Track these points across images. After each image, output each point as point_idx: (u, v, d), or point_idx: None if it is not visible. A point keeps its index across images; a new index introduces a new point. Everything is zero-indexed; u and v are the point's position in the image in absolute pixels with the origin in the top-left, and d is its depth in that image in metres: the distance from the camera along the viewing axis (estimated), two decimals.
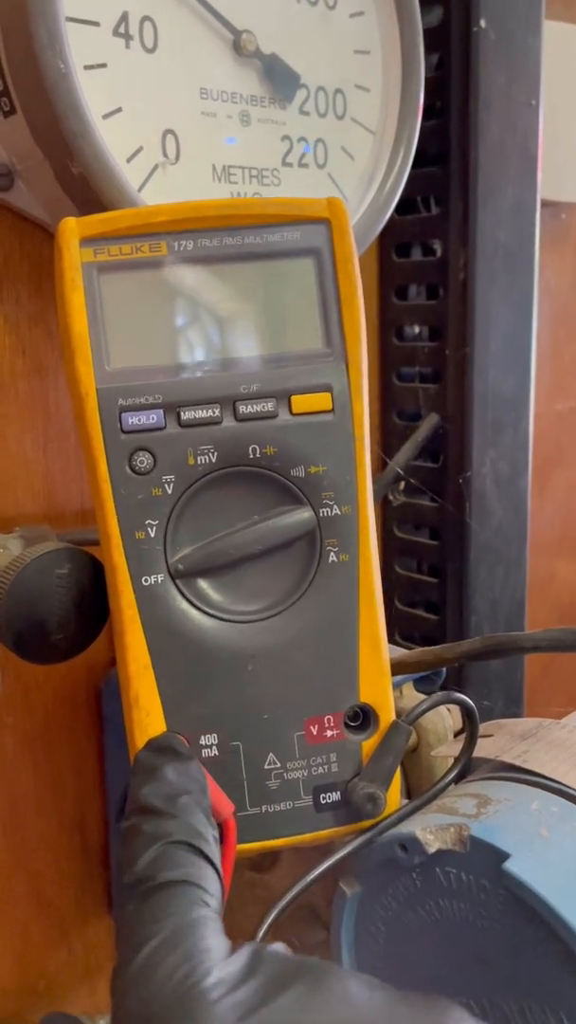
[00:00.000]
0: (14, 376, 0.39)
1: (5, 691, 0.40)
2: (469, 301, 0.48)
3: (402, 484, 0.53)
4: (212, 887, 0.23)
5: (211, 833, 0.25)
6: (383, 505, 0.55)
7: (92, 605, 0.30)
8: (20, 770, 0.41)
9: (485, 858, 0.27)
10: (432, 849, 0.28)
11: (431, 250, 0.51)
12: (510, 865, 0.26)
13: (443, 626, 0.53)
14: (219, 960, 0.21)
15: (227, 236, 0.29)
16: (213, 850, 0.24)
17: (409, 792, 0.38)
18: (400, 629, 0.55)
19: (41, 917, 0.43)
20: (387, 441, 0.54)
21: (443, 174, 0.48)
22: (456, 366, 0.49)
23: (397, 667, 0.34)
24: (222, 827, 0.28)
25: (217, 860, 0.24)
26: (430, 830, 0.28)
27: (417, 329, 0.52)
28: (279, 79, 0.37)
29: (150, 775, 0.26)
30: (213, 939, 0.21)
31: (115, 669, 0.40)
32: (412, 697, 0.39)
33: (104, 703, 0.43)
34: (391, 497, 0.53)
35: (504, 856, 0.26)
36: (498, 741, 0.33)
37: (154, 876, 0.23)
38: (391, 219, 0.42)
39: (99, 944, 0.45)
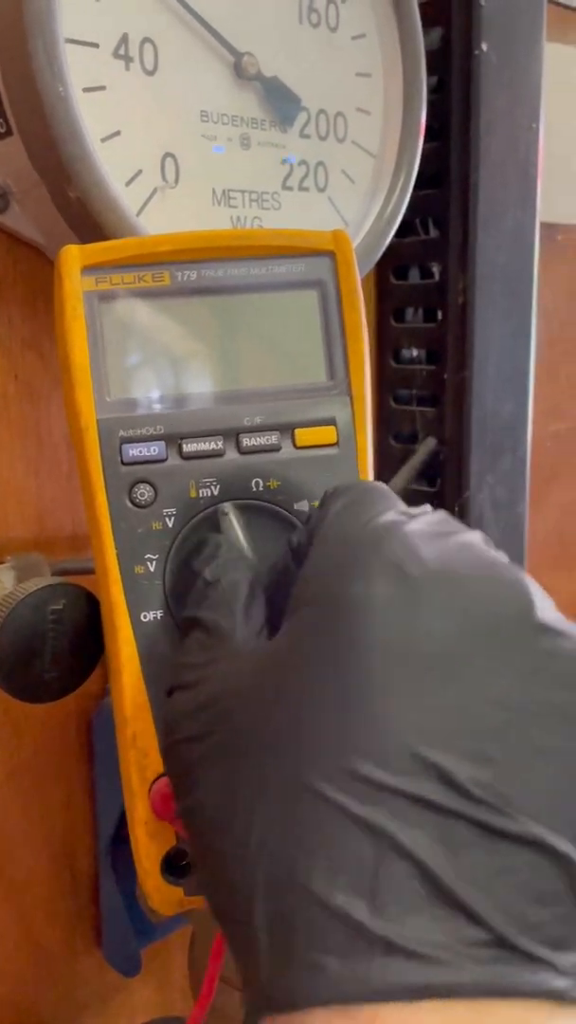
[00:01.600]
0: (6, 401, 0.38)
1: None
2: (468, 325, 0.48)
3: None
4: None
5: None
6: None
7: (86, 642, 0.30)
8: (9, 804, 0.40)
9: None
10: None
11: (429, 272, 0.50)
12: None
13: None
14: None
15: (231, 267, 0.29)
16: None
17: None
18: None
19: (30, 954, 0.42)
20: (383, 464, 0.53)
21: (442, 196, 0.47)
22: (454, 390, 0.49)
23: None
24: None
25: None
26: None
27: (415, 352, 0.52)
28: (280, 102, 0.37)
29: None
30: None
31: (106, 700, 0.40)
32: None
33: (95, 735, 0.42)
34: None
35: None
36: None
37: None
38: (389, 241, 0.42)
39: (89, 981, 0.44)
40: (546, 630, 0.20)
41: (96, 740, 0.42)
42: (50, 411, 0.39)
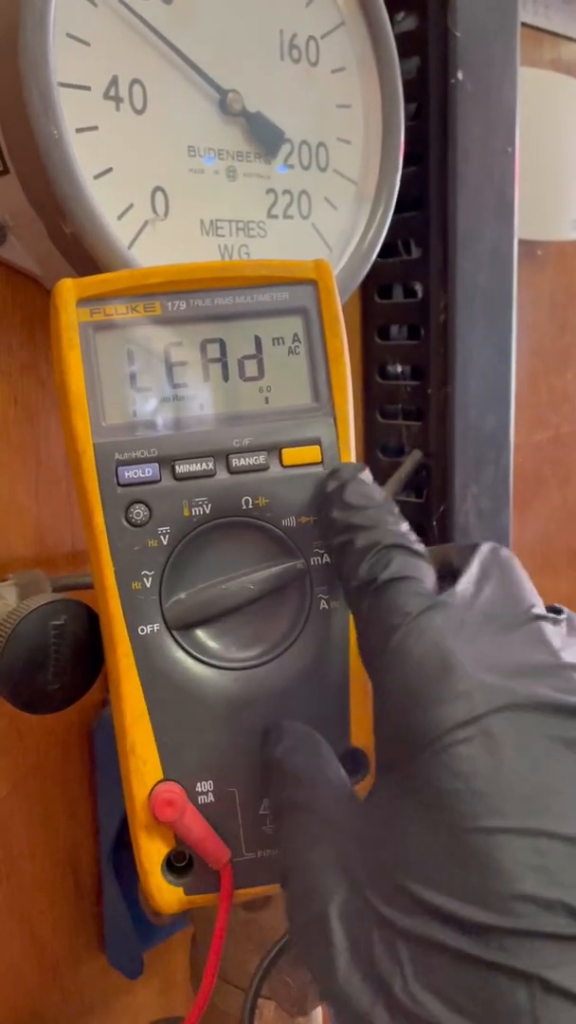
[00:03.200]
0: (6, 424, 0.39)
1: None
2: (450, 342, 0.49)
3: None
4: (428, 578, 0.26)
5: (409, 530, 0.28)
6: None
7: (87, 655, 0.31)
8: (13, 812, 0.41)
9: None
10: None
11: (412, 291, 0.52)
12: None
13: None
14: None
15: (219, 296, 0.30)
16: (419, 545, 0.27)
17: None
18: None
19: (34, 958, 0.43)
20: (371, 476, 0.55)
21: (423, 219, 0.49)
22: (438, 405, 0.51)
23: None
24: (219, 874, 0.29)
25: (424, 552, 0.27)
26: None
27: (399, 368, 0.53)
28: (264, 135, 0.39)
29: (338, 502, 0.28)
30: (454, 608, 0.25)
31: (107, 710, 0.41)
32: None
33: (96, 744, 0.43)
34: None
35: None
36: None
37: (376, 577, 0.26)
38: (373, 261, 0.43)
39: (93, 984, 0.45)
40: None
41: (97, 749, 0.43)
42: (49, 433, 0.41)
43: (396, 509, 0.28)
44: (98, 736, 0.43)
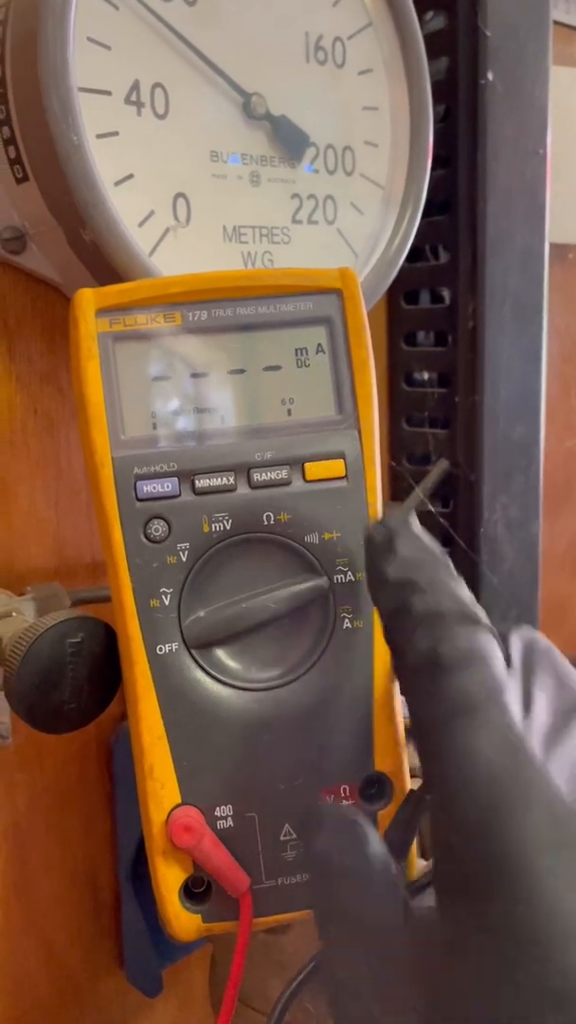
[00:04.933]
0: (26, 435, 0.39)
1: (16, 748, 0.40)
2: (478, 349, 0.48)
3: None
4: (497, 660, 0.22)
5: (470, 597, 0.24)
6: None
7: (105, 674, 0.30)
8: (31, 829, 0.41)
9: None
10: None
11: (440, 297, 0.51)
12: None
13: None
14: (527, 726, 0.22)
15: (241, 306, 0.29)
16: (481, 613, 0.24)
17: (423, 851, 0.38)
18: None
19: (51, 975, 0.43)
20: (397, 485, 0.54)
21: (451, 223, 0.48)
22: (466, 413, 0.49)
23: (409, 732, 0.34)
24: (238, 902, 0.28)
25: (486, 619, 0.24)
26: None
27: (426, 375, 0.52)
28: (289, 139, 0.38)
29: (389, 556, 0.25)
30: (515, 706, 0.22)
31: (126, 724, 0.40)
32: None
33: (115, 758, 0.43)
34: None
35: None
36: None
37: (440, 657, 0.22)
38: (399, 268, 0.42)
39: (112, 1002, 0.45)
40: None
41: (116, 763, 0.43)
42: (69, 444, 0.40)
43: (451, 564, 0.25)
44: (117, 750, 0.43)
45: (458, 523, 0.51)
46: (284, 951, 0.38)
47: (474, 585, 0.50)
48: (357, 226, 0.41)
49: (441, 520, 0.50)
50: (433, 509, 0.51)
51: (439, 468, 0.51)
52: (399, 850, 0.29)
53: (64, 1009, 0.43)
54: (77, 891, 0.43)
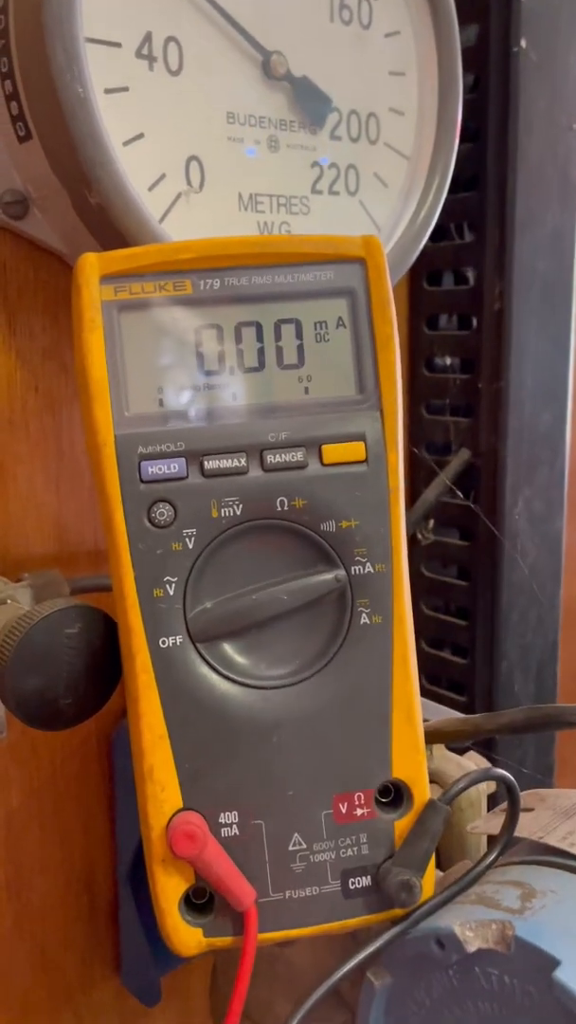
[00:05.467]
0: (26, 413, 0.37)
1: (11, 742, 0.38)
2: (504, 333, 0.46)
3: (431, 522, 0.50)
4: None
5: None
6: (410, 543, 0.52)
7: (103, 668, 0.28)
8: (26, 827, 0.39)
9: (532, 962, 0.24)
10: (472, 948, 0.25)
11: (464, 278, 0.48)
12: (561, 974, 0.23)
13: (472, 670, 0.50)
14: None
15: (256, 275, 0.27)
16: None
17: (439, 863, 0.36)
18: (426, 672, 0.53)
19: (45, 980, 0.41)
20: (415, 474, 0.52)
21: (478, 200, 0.46)
22: (489, 400, 0.47)
23: (431, 736, 0.32)
24: (243, 915, 0.26)
25: None
26: (469, 926, 0.25)
27: (448, 360, 0.50)
28: (310, 103, 0.35)
29: None
30: None
31: (127, 719, 0.38)
32: (443, 758, 0.37)
33: (115, 755, 0.41)
34: (420, 536, 0.51)
35: (554, 963, 0.23)
36: (540, 817, 0.30)
37: None
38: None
39: (107, 1008, 0.43)
40: None
41: (116, 760, 0.41)
42: (71, 423, 0.38)
43: None
44: (118, 746, 0.41)
45: (478, 515, 0.48)
46: (291, 965, 0.36)
47: (494, 582, 0.48)
48: (380, 198, 0.39)
49: (472, 506, 0.48)
50: (459, 495, 0.48)
51: (460, 458, 0.49)
52: (417, 864, 0.27)
53: (57, 1015, 0.41)
54: (73, 892, 0.41)
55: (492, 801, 0.37)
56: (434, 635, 0.53)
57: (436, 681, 0.53)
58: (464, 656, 0.51)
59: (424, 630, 0.53)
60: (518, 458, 0.48)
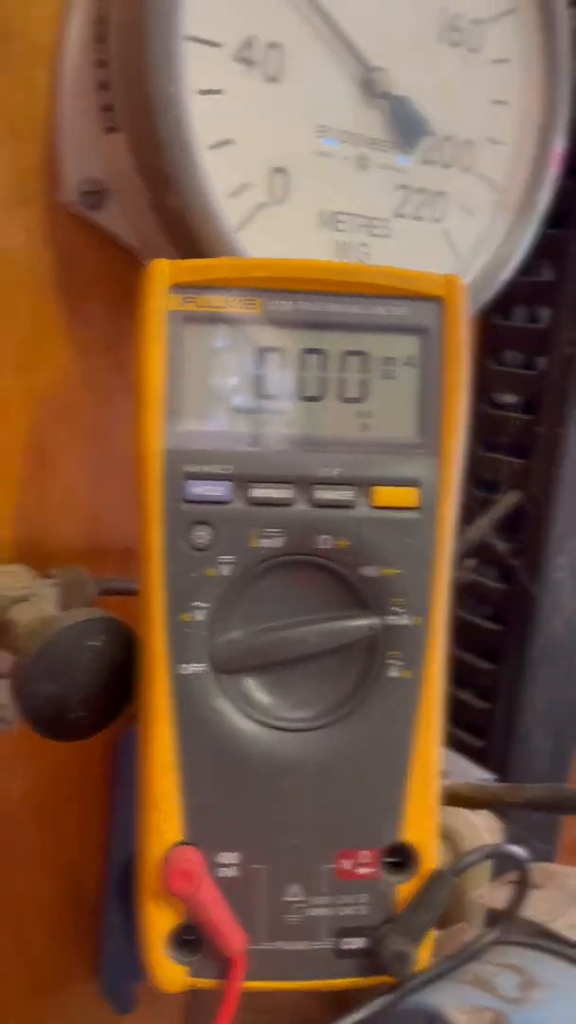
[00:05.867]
0: (77, 405, 0.36)
1: (18, 737, 0.37)
2: (572, 379, 0.44)
3: (472, 561, 0.49)
4: None
5: None
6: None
7: (121, 684, 0.28)
8: (22, 820, 0.38)
9: None
10: None
11: (536, 316, 0.47)
12: None
13: (491, 715, 0.49)
14: None
15: (330, 302, 0.26)
16: None
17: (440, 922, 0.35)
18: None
19: (22, 971, 0.40)
20: (459, 510, 0.50)
21: (564, 238, 0.44)
22: (547, 445, 0.46)
23: (446, 798, 0.30)
24: (229, 961, 0.25)
25: None
26: (463, 1010, 0.24)
27: (510, 398, 0.48)
28: (406, 124, 0.34)
29: None
30: None
31: (135, 733, 0.37)
32: (452, 812, 0.36)
33: (119, 762, 0.40)
34: (457, 574, 0.50)
35: None
36: (547, 898, 0.29)
37: None
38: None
39: (84, 1009, 0.42)
40: None
41: (120, 768, 0.40)
42: (121, 420, 0.37)
43: None
44: (123, 753, 0.40)
45: (522, 561, 0.47)
46: (271, 995, 0.35)
47: (529, 630, 0.47)
48: (465, 228, 0.37)
49: (512, 561, 0.46)
50: (498, 543, 0.47)
51: (509, 499, 0.47)
52: (415, 935, 0.26)
53: (33, 1008, 0.41)
54: (60, 890, 0.41)
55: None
56: (458, 675, 0.51)
57: (455, 721, 0.51)
58: (486, 700, 0.50)
59: (449, 668, 0.51)
60: (570, 506, 0.46)
